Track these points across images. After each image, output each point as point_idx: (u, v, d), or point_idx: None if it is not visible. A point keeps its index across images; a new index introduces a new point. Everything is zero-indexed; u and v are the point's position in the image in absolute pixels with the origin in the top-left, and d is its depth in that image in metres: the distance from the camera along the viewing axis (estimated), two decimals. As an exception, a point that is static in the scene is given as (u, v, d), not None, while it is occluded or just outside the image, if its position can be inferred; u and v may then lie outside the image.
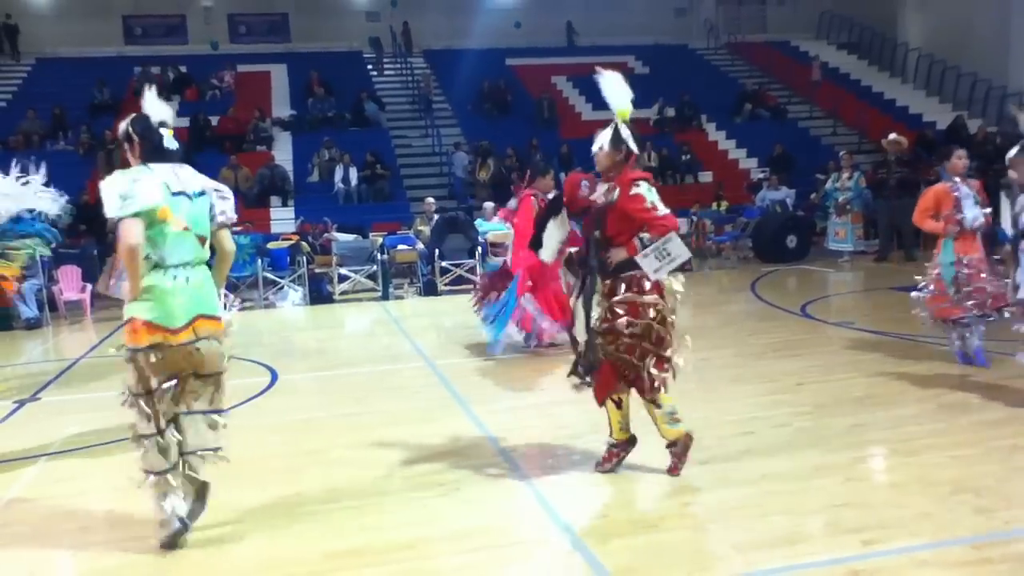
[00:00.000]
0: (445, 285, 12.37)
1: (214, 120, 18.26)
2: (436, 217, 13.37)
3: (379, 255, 12.49)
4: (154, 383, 3.67)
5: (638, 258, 4.19)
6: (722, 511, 3.96)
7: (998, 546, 3.53)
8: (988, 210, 6.36)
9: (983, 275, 6.22)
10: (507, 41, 23.73)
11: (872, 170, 14.51)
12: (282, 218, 15.79)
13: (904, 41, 23.34)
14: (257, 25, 24.78)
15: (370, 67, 23.03)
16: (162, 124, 3.81)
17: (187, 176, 3.79)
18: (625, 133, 4.36)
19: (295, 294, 12.18)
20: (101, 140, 16.96)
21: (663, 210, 4.19)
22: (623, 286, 4.25)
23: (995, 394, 5.63)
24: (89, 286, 11.45)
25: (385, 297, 12.13)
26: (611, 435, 4.55)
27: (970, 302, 6.20)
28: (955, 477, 4.23)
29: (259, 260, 12.05)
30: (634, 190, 4.19)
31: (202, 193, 3.81)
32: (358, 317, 11.21)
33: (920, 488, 4.13)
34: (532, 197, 7.36)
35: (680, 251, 4.13)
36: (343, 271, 12.39)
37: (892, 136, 13.62)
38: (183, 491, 3.83)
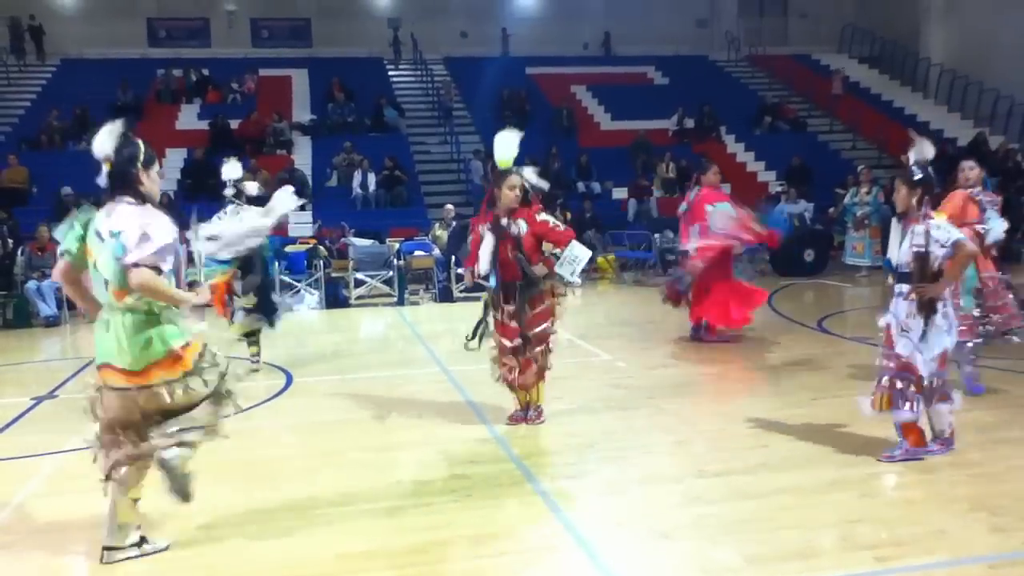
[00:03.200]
0: (461, 292, 12.37)
1: (235, 124, 18.35)
2: (454, 224, 13.39)
3: (396, 261, 12.52)
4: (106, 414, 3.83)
5: (556, 268, 5.33)
6: (735, 523, 3.94)
7: (1015, 565, 3.50)
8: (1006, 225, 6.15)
9: (1005, 293, 6.00)
10: (527, 50, 23.84)
11: (891, 185, 14.41)
12: (300, 222, 15.85)
13: (926, 56, 23.22)
14: (279, 30, 24.94)
15: (388, 66, 23.14)
16: (106, 159, 3.72)
17: (117, 216, 3.63)
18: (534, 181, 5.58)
19: (311, 298, 12.21)
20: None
21: (561, 226, 5.46)
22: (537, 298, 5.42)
23: (1013, 413, 5.59)
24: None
25: (401, 303, 12.16)
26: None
27: (989, 322, 5.96)
28: (972, 495, 4.19)
29: (276, 263, 12.08)
30: (540, 217, 5.39)
31: (114, 234, 3.60)
32: (373, 322, 11.24)
33: (936, 505, 4.10)
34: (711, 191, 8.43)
35: (582, 252, 5.30)
36: (359, 276, 12.43)
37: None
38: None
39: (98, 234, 3.66)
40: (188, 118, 19.32)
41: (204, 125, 18.33)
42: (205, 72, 21.12)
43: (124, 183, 3.68)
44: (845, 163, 18.77)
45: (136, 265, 3.53)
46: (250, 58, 22.64)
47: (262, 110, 19.15)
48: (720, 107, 20.71)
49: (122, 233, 3.58)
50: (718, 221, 8.12)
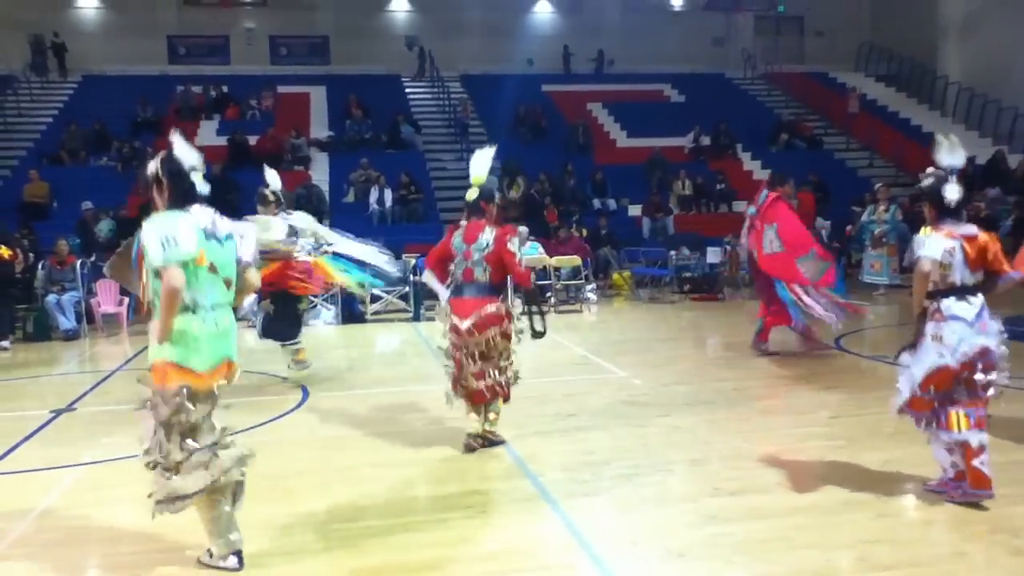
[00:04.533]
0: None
1: (253, 140, 18.50)
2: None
3: (411, 276, 12.55)
4: (193, 417, 3.65)
5: None
6: (751, 543, 3.91)
7: (1035, 588, 3.46)
8: None
9: None
10: (544, 67, 23.94)
11: (909, 203, 14.37)
12: (317, 237, 15.93)
13: (944, 74, 23.17)
14: (298, 47, 25.21)
15: (406, 81, 23.27)
16: (193, 169, 3.77)
17: (217, 219, 3.80)
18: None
19: (328, 313, 12.26)
20: (142, 156, 17.30)
21: None
22: None
23: (1033, 433, 5.53)
24: (127, 299, 11.62)
25: (416, 318, 12.17)
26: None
27: None
28: (991, 517, 4.15)
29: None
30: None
31: (229, 236, 3.83)
32: (389, 337, 11.27)
33: (955, 527, 4.06)
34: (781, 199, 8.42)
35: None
36: (375, 291, 12.46)
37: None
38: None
39: (214, 236, 3.73)
40: (207, 134, 19.48)
41: (223, 141, 18.51)
42: (224, 89, 21.35)
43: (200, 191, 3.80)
44: (862, 181, 18.72)
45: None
46: (269, 75, 22.89)
47: (280, 126, 19.33)
48: (736, 125, 20.74)
49: (234, 235, 3.85)
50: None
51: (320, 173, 18.31)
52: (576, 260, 13.37)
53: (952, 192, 4.33)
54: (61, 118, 20.12)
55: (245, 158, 18.00)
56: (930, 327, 4.28)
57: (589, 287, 13.60)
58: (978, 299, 4.30)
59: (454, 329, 5.37)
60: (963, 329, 4.23)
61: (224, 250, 3.77)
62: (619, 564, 3.75)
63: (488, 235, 5.40)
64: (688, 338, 10.72)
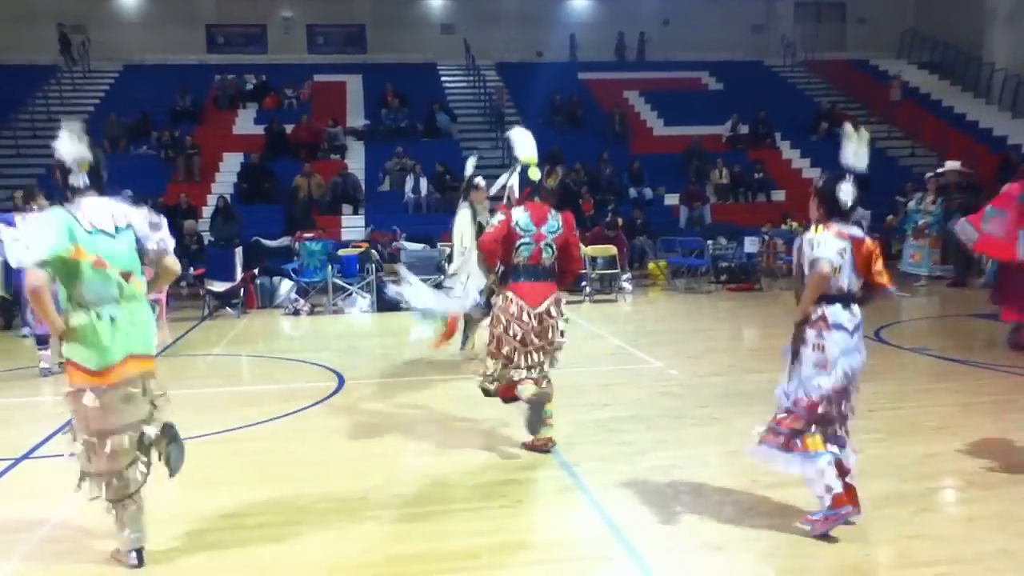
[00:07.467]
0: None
1: (290, 128, 18.62)
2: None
3: (446, 265, 12.56)
4: (104, 424, 3.65)
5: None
6: (790, 537, 3.87)
7: (1082, 588, 3.39)
8: None
9: None
10: (580, 55, 23.81)
11: (950, 196, 14.14)
12: (353, 226, 16.03)
13: (990, 61, 22.65)
14: (335, 36, 25.31)
15: (442, 71, 23.28)
16: (78, 162, 3.66)
17: (112, 211, 3.68)
18: (523, 178, 5.48)
19: (363, 301, 12.31)
20: (182, 146, 17.51)
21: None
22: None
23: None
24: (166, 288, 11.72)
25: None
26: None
27: None
28: (1037, 514, 4.07)
29: (329, 266, 12.25)
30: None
31: (127, 227, 3.71)
32: (424, 326, 11.27)
33: (999, 524, 3.99)
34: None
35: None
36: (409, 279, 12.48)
37: (948, 164, 13.79)
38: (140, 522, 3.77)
39: (100, 232, 3.59)
40: (245, 123, 19.67)
41: (260, 130, 18.67)
42: (262, 78, 21.51)
43: (100, 183, 3.73)
44: (903, 170, 18.42)
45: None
46: (306, 64, 23.01)
47: (317, 115, 19.44)
48: (775, 113, 20.49)
49: (135, 225, 3.74)
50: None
51: (356, 162, 18.40)
52: (612, 249, 13.31)
53: (846, 193, 3.90)
54: (103, 107, 20.39)
55: (282, 147, 18.15)
56: (811, 335, 3.89)
57: (625, 277, 13.54)
58: (858, 310, 3.96)
59: (517, 315, 5.12)
60: (845, 340, 3.88)
61: (116, 243, 3.63)
62: (656, 557, 3.72)
63: (557, 218, 5.27)
64: (725, 329, 10.63)
